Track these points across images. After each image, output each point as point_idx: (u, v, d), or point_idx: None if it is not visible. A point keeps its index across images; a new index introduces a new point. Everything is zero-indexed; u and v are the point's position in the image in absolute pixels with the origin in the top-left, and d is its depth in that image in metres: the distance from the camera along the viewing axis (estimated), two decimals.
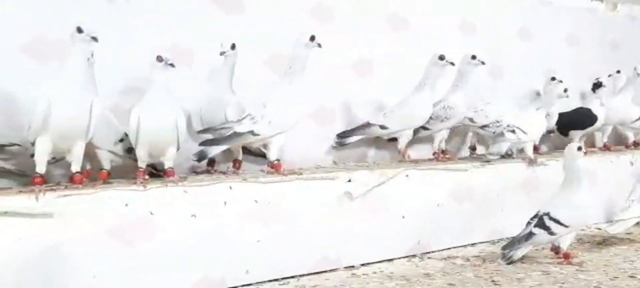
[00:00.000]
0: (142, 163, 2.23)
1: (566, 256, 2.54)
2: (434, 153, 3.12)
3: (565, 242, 2.53)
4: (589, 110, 3.59)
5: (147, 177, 2.23)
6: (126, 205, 2.06)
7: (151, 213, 2.10)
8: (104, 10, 2.48)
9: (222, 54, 2.51)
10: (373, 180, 2.64)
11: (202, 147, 2.40)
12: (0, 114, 2.23)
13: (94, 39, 1.98)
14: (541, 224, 2.50)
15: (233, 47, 2.52)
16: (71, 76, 1.95)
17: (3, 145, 2.22)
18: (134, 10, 2.54)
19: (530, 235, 2.51)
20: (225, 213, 2.25)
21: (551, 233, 2.50)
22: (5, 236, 1.85)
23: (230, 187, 2.28)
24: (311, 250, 2.45)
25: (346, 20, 3.16)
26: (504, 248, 2.58)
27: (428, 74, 2.94)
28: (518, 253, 2.54)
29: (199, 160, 2.42)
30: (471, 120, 3.26)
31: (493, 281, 2.31)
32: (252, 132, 2.39)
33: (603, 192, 3.23)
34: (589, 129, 3.63)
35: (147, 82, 2.45)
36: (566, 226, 2.49)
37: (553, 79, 3.32)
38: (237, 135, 2.38)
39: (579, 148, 2.51)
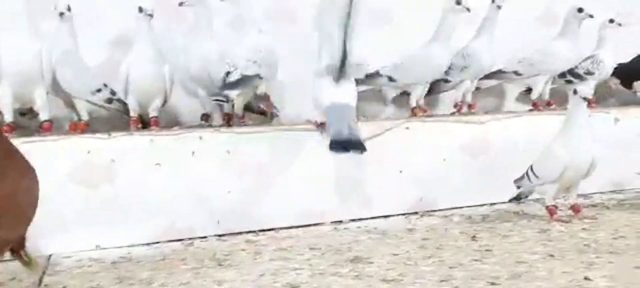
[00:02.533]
0: (133, 113, 2.34)
1: (550, 212, 2.24)
2: (455, 105, 2.87)
3: (546, 194, 2.24)
4: None
5: (140, 125, 2.34)
6: (88, 152, 2.13)
7: (113, 160, 2.15)
8: None
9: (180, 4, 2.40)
10: (366, 132, 2.47)
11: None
12: None
13: None
14: (527, 174, 2.29)
15: None
16: (17, 22, 2.05)
17: None
18: None
19: (520, 179, 2.31)
20: (194, 163, 2.24)
21: (530, 181, 2.26)
22: None
23: (201, 137, 2.26)
24: (291, 203, 2.36)
25: None
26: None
27: (442, 21, 2.70)
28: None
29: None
30: (516, 73, 2.96)
31: (473, 237, 2.07)
32: (258, 75, 2.36)
33: None
34: None
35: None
36: (537, 176, 2.24)
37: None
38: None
39: (574, 92, 2.17)
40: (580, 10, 2.85)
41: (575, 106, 2.20)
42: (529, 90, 3.09)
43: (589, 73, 3.07)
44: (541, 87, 2.95)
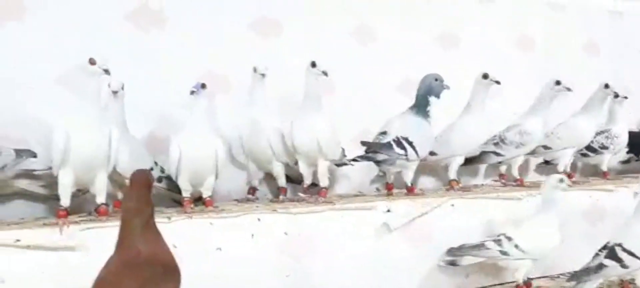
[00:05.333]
0: (185, 193, 2.25)
1: None
2: (516, 180, 2.93)
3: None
4: None
5: (193, 205, 2.24)
6: None
7: (175, 246, 2.03)
8: (137, 39, 2.49)
9: (263, 75, 2.41)
10: (415, 210, 2.47)
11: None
12: (39, 142, 2.24)
13: (106, 71, 1.97)
14: (613, 255, 2.27)
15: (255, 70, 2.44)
16: (88, 107, 1.95)
17: (40, 171, 2.21)
18: (167, 38, 2.54)
19: (601, 266, 2.27)
20: (253, 246, 2.17)
21: (624, 266, 2.26)
22: (28, 270, 1.86)
23: (259, 219, 2.21)
24: (346, 286, 2.32)
25: (391, 40, 3.03)
26: (570, 280, 2.35)
27: (474, 94, 2.77)
28: (587, 286, 2.31)
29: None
30: (545, 147, 3.05)
31: None
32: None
33: None
34: None
35: (182, 109, 2.47)
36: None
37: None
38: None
39: None
40: (607, 86, 2.98)
41: None
42: (547, 162, 3.19)
43: (604, 147, 3.19)
44: (568, 160, 3.05)
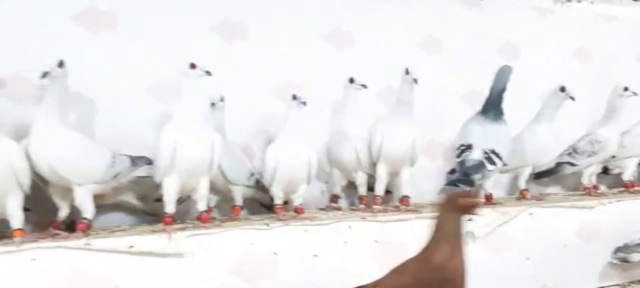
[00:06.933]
0: (278, 200, 2.25)
1: None
2: (585, 189, 2.94)
3: None
4: None
5: (285, 213, 2.26)
6: (252, 244, 2.05)
7: (275, 253, 2.07)
8: (221, 51, 2.52)
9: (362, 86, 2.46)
10: (496, 218, 2.49)
11: None
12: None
13: (207, 73, 1.99)
14: None
15: (351, 80, 2.48)
16: (192, 113, 1.99)
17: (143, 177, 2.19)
18: (248, 49, 2.58)
19: None
20: (346, 253, 2.20)
21: None
22: (140, 276, 1.88)
23: (350, 226, 2.23)
24: None
25: (456, 51, 3.07)
26: None
27: (547, 105, 2.79)
28: None
29: None
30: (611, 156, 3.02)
31: None
32: None
33: None
34: None
35: (262, 119, 2.50)
36: None
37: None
38: None
39: None
40: None
41: None
42: (605, 170, 3.20)
43: None
44: (633, 169, 3.06)
